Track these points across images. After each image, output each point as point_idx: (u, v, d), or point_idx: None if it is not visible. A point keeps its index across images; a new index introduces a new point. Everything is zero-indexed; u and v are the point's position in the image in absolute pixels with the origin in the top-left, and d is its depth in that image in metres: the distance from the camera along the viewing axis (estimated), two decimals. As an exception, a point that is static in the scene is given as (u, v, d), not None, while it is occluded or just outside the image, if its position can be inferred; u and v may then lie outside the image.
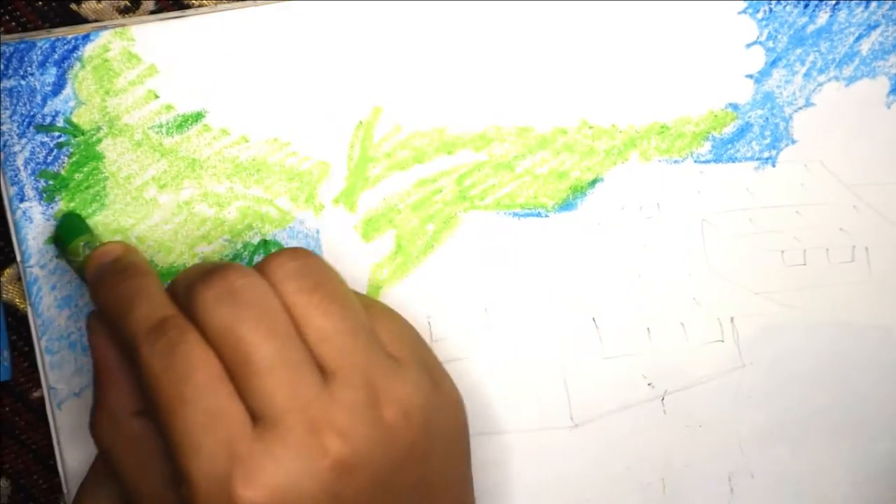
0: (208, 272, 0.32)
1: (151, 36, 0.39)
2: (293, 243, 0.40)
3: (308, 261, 0.33)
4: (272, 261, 0.33)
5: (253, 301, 0.31)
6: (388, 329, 0.34)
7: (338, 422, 0.31)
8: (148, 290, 0.33)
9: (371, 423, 0.31)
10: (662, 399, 0.41)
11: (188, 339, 0.31)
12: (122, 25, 0.39)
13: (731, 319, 0.40)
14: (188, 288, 0.32)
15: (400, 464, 0.32)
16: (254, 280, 0.32)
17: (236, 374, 0.31)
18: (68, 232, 0.38)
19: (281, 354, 0.31)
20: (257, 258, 0.40)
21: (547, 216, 0.40)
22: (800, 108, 0.40)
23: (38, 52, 0.39)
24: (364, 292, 0.41)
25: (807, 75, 0.40)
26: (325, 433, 0.30)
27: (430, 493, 0.33)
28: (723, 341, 0.40)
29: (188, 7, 0.40)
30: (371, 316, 0.34)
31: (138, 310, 0.32)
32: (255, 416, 0.31)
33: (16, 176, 0.39)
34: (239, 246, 0.40)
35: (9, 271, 0.40)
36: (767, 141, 0.40)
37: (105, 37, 0.39)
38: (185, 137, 0.40)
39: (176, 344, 0.31)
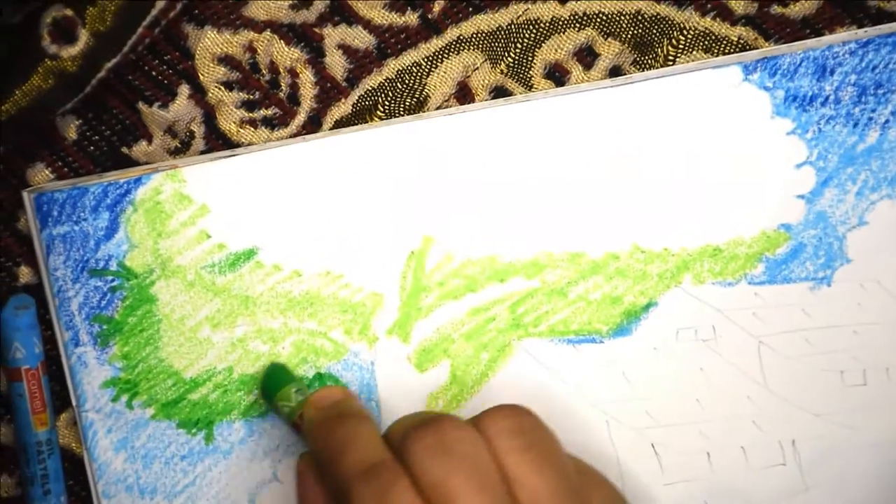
0: (424, 422, 0.33)
1: (202, 176, 0.39)
2: (348, 376, 0.40)
3: (524, 419, 0.33)
4: (489, 416, 0.33)
5: (466, 454, 0.32)
6: (601, 495, 0.34)
7: None
8: (366, 434, 0.34)
9: None
10: (725, 523, 0.40)
11: (400, 485, 0.31)
12: (174, 167, 0.39)
13: (793, 442, 0.40)
14: (403, 436, 0.33)
15: None
16: (468, 433, 0.32)
17: None
18: (278, 380, 0.39)
19: None
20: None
21: (602, 342, 0.40)
22: (853, 227, 0.40)
23: (91, 198, 0.39)
24: (419, 422, 0.40)
25: (859, 194, 0.40)
26: None
27: None
28: (784, 464, 0.40)
29: (237, 146, 0.40)
30: (583, 481, 0.34)
31: (355, 451, 0.33)
32: None
33: (70, 321, 0.39)
34: (294, 381, 0.40)
35: (65, 416, 0.40)
36: (822, 261, 0.40)
37: (156, 179, 0.39)
38: (237, 275, 0.40)
39: (388, 488, 0.31)
